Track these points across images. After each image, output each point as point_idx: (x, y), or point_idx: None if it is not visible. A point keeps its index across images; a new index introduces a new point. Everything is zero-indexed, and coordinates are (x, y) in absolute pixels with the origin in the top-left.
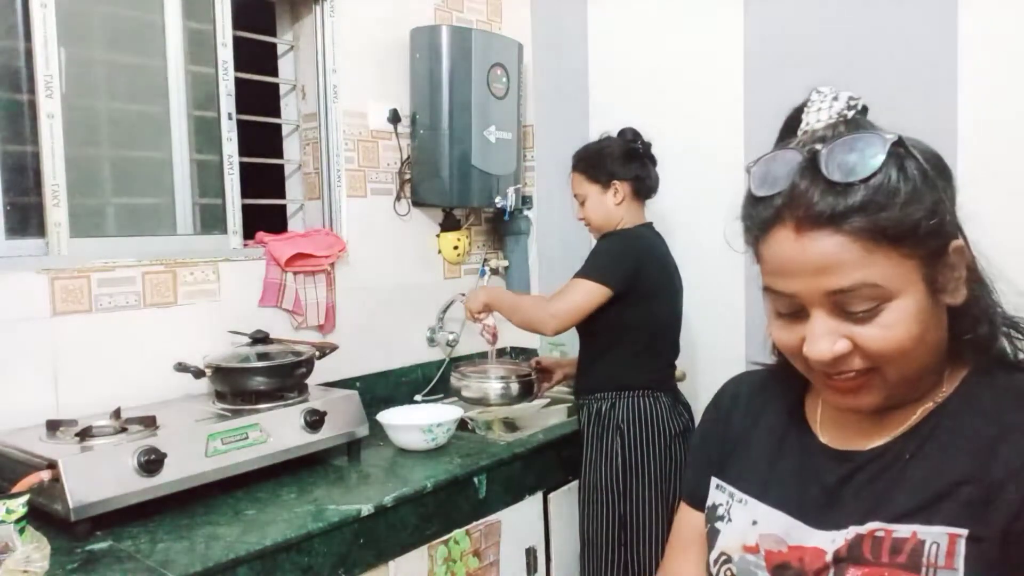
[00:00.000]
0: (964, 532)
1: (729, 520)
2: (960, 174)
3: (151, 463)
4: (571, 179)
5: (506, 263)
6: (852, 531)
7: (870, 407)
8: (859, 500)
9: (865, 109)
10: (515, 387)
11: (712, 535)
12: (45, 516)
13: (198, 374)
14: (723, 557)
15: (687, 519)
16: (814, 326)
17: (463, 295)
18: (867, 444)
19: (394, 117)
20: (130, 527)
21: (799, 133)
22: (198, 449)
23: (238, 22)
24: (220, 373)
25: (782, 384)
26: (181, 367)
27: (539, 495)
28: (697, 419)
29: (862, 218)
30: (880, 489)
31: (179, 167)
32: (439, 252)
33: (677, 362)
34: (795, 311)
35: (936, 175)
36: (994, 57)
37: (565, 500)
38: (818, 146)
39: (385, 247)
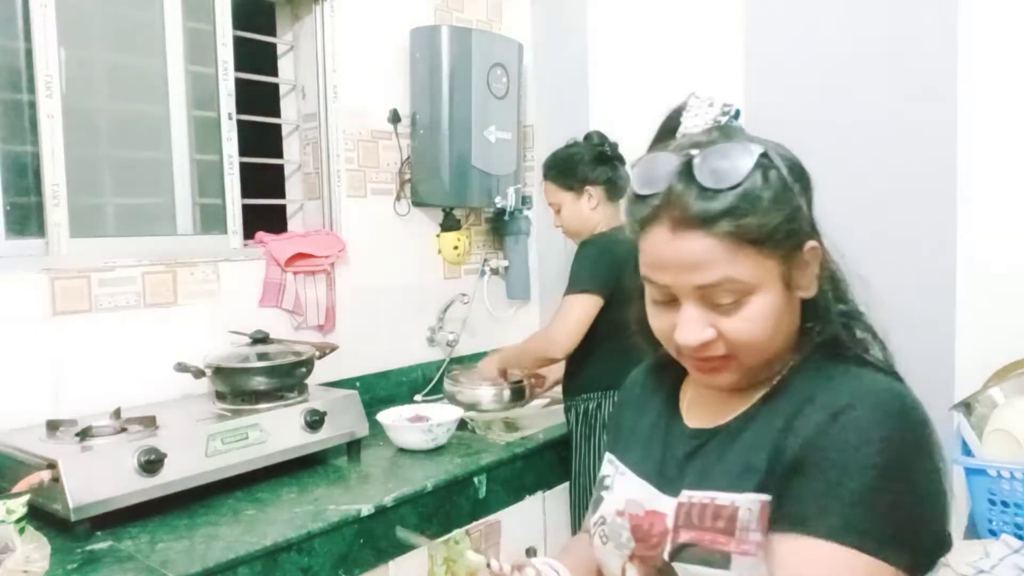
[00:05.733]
0: (770, 498)
1: (611, 489)
2: (960, 173)
3: (151, 463)
4: (543, 188)
5: (506, 263)
6: (686, 498)
7: (728, 385)
8: (695, 471)
9: (738, 114)
10: (507, 393)
11: (596, 502)
12: (45, 516)
13: (198, 374)
14: (600, 519)
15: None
16: (684, 315)
17: (464, 295)
18: (713, 423)
19: (394, 117)
20: (130, 527)
21: (677, 136)
22: (198, 449)
23: (238, 22)
24: (220, 373)
25: (664, 375)
26: (181, 367)
27: (539, 495)
28: None
29: (728, 222)
30: (711, 462)
31: (179, 167)
32: (439, 252)
33: None
34: (669, 300)
35: (796, 183)
36: (994, 57)
37: (560, 500)
38: (693, 151)
39: (385, 247)
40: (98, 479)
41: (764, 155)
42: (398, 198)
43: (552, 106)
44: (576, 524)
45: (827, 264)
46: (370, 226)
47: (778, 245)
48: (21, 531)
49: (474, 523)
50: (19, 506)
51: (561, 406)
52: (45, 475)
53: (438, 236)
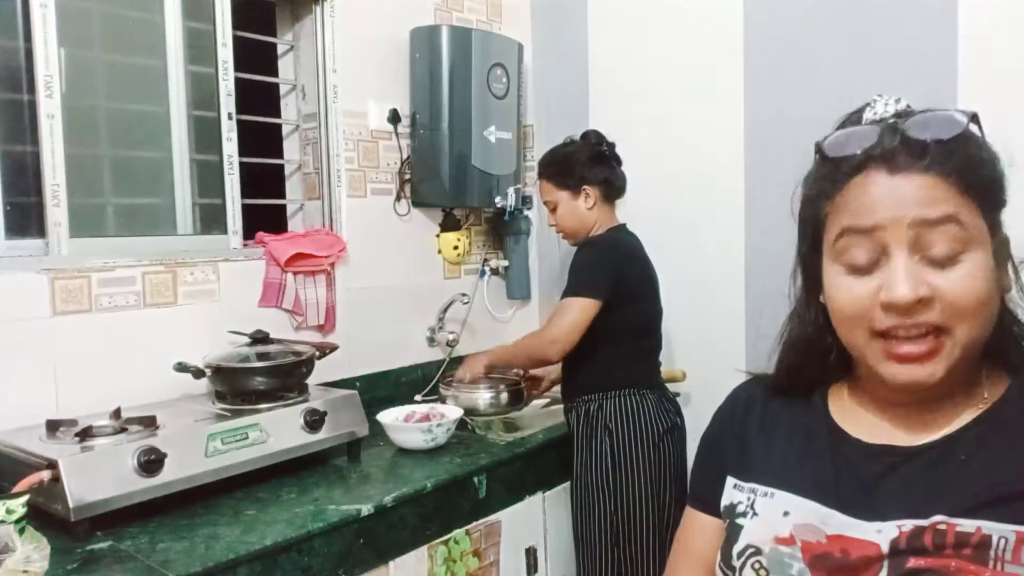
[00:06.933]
0: None
1: (754, 514)
2: None
3: (151, 463)
4: (538, 187)
5: (506, 263)
6: (909, 523)
7: (932, 378)
8: (906, 493)
9: None
10: (504, 396)
11: (733, 530)
12: (45, 516)
13: (198, 374)
14: (750, 550)
15: (695, 524)
16: (896, 268)
17: (464, 295)
18: (906, 442)
19: (394, 117)
20: (130, 527)
21: (864, 122)
22: (198, 449)
23: (238, 22)
24: (220, 373)
25: (799, 388)
26: (181, 367)
27: (539, 495)
28: (687, 416)
29: (951, 166)
30: (934, 484)
31: (179, 167)
32: (439, 252)
33: (676, 361)
34: (871, 259)
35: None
36: (994, 57)
37: (559, 500)
38: (894, 121)
39: (385, 247)
40: (98, 479)
41: (975, 118)
42: (398, 198)
43: (552, 106)
44: (577, 525)
45: (1015, 263)
46: (370, 226)
47: (993, 209)
48: (21, 531)
49: (474, 523)
50: (19, 506)
51: (560, 406)
52: (45, 475)
53: (438, 236)
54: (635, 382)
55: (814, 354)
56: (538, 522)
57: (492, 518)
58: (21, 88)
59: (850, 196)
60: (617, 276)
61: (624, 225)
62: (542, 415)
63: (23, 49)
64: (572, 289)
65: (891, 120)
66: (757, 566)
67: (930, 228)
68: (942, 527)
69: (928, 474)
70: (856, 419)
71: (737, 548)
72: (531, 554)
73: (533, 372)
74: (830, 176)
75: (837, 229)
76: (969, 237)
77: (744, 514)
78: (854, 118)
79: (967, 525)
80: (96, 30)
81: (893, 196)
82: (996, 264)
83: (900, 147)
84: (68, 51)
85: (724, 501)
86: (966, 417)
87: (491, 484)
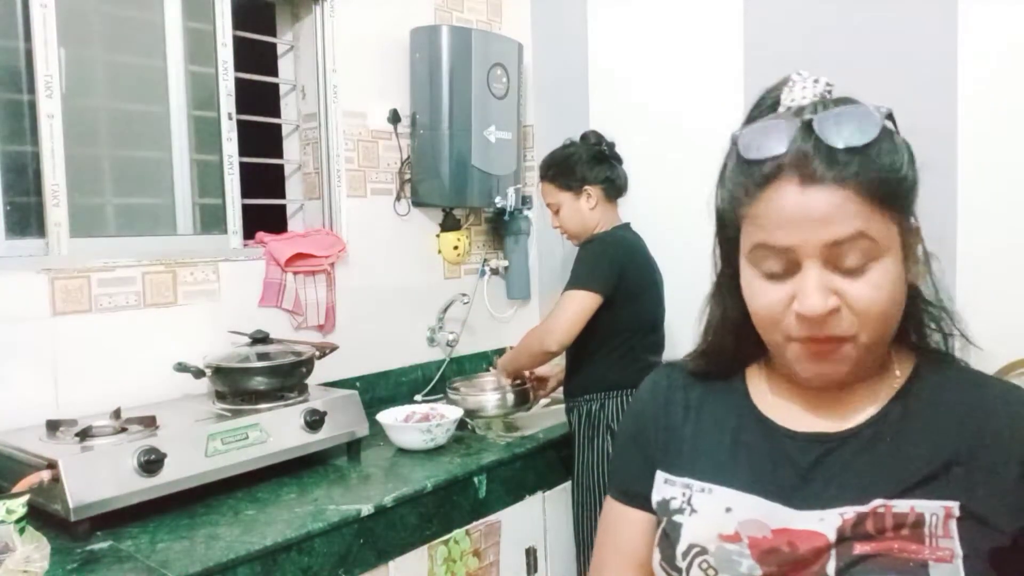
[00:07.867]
0: (956, 504)
1: (692, 511)
2: (960, 172)
3: (151, 463)
4: (540, 189)
5: (506, 263)
6: (850, 510)
7: (840, 375)
8: (842, 480)
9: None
10: (511, 398)
11: (672, 528)
12: (45, 516)
13: (198, 374)
14: (696, 549)
15: (621, 518)
16: (807, 281)
17: (464, 295)
18: (834, 428)
19: (394, 117)
20: (130, 527)
21: (781, 109)
22: (198, 449)
23: (238, 22)
24: (220, 373)
25: (719, 374)
26: (181, 367)
27: (539, 495)
28: None
29: (864, 176)
30: (867, 469)
31: (179, 167)
32: (439, 252)
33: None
34: (784, 270)
35: (913, 155)
36: (994, 55)
37: (560, 500)
38: (809, 116)
39: (385, 247)
40: (98, 479)
41: (890, 116)
42: (398, 198)
43: (552, 106)
44: (579, 525)
45: (926, 249)
46: (370, 226)
47: (902, 211)
48: (21, 531)
49: (474, 523)
50: (19, 506)
51: (561, 406)
52: (45, 475)
53: (438, 236)
54: (638, 382)
55: (740, 335)
56: (538, 522)
57: (492, 518)
58: (21, 88)
59: (762, 209)
60: (620, 272)
61: (628, 224)
62: (542, 415)
63: (23, 49)
64: (573, 282)
65: (807, 115)
66: (705, 566)
67: (840, 244)
68: (881, 511)
69: (860, 459)
70: (780, 406)
71: (681, 548)
72: (531, 554)
73: (539, 372)
74: (743, 182)
75: (751, 242)
76: (878, 248)
77: (681, 511)
78: (770, 101)
79: (902, 506)
80: (96, 30)
81: (805, 214)
82: (906, 257)
83: (813, 153)
84: (68, 51)
85: (656, 496)
86: (884, 397)
87: (491, 484)
